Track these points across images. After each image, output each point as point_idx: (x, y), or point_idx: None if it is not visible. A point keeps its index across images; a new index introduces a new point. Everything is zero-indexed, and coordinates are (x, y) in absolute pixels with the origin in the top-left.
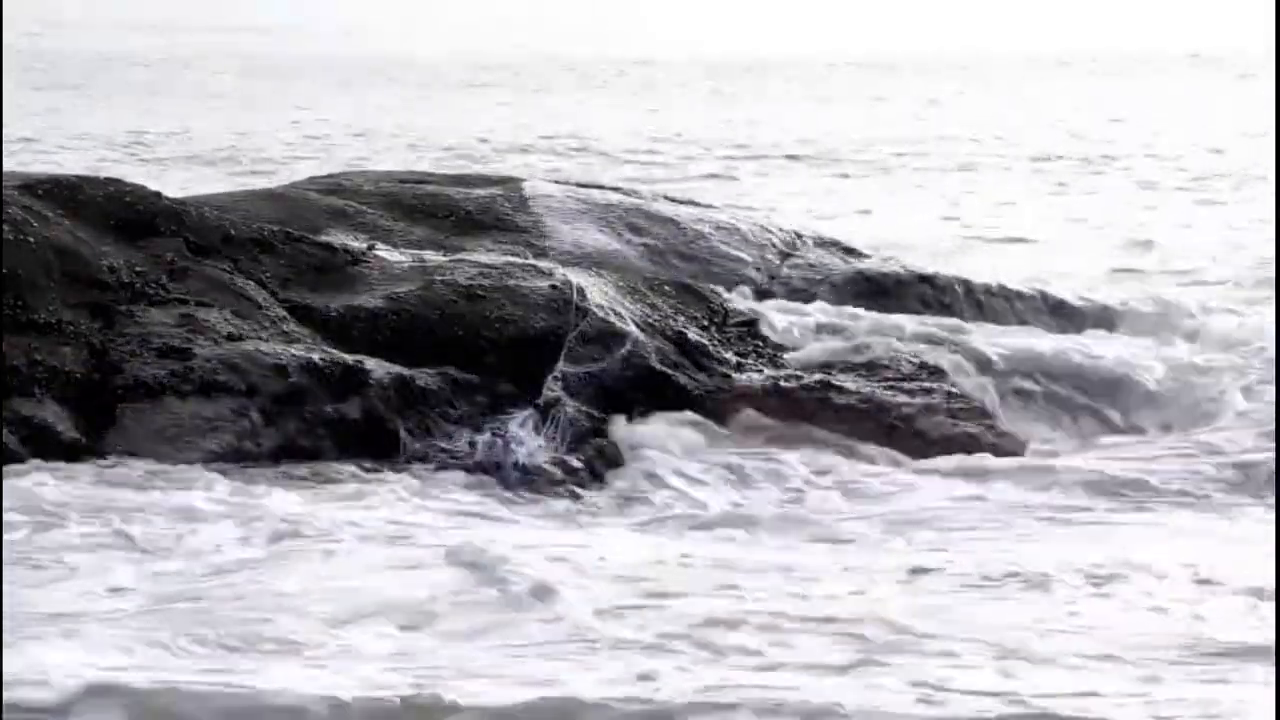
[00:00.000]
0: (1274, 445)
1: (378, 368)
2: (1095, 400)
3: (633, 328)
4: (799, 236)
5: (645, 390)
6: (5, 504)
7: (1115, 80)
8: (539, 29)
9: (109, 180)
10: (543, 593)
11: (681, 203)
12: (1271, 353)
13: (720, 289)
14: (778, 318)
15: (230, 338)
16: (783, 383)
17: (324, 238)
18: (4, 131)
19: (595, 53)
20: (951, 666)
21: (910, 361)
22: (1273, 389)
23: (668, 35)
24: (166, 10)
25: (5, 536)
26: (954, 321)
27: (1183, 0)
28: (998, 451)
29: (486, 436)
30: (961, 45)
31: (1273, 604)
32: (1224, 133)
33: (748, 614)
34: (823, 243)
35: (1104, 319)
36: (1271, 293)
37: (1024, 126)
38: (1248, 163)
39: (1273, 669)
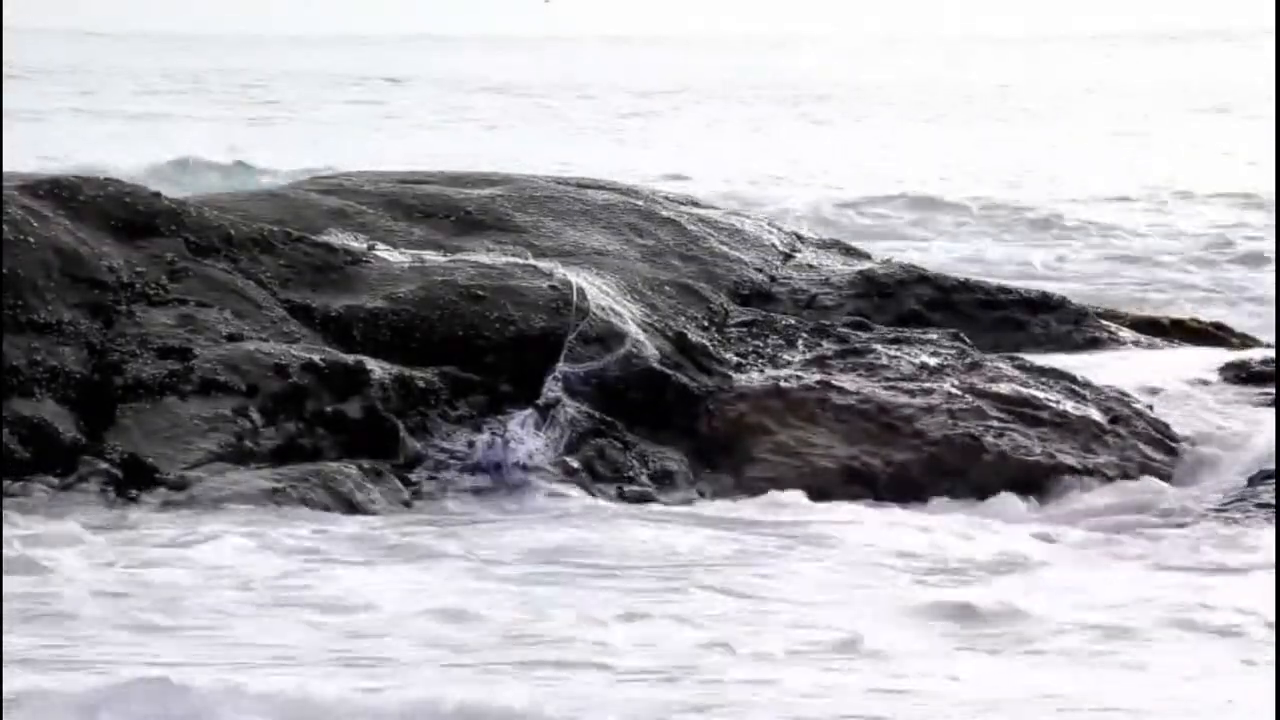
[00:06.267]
0: (1275, 436)
1: (378, 368)
2: None
3: (633, 328)
4: (799, 238)
5: (645, 390)
6: None
7: None
8: None
9: (109, 180)
10: None
11: (682, 203)
12: None
13: (720, 290)
14: (779, 318)
15: (230, 338)
16: (783, 383)
17: (324, 238)
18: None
19: None
20: None
21: (910, 362)
22: None
23: None
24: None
25: None
26: None
27: None
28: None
29: (486, 436)
30: None
31: None
32: None
33: None
34: (824, 244)
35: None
36: None
37: None
38: None
39: None
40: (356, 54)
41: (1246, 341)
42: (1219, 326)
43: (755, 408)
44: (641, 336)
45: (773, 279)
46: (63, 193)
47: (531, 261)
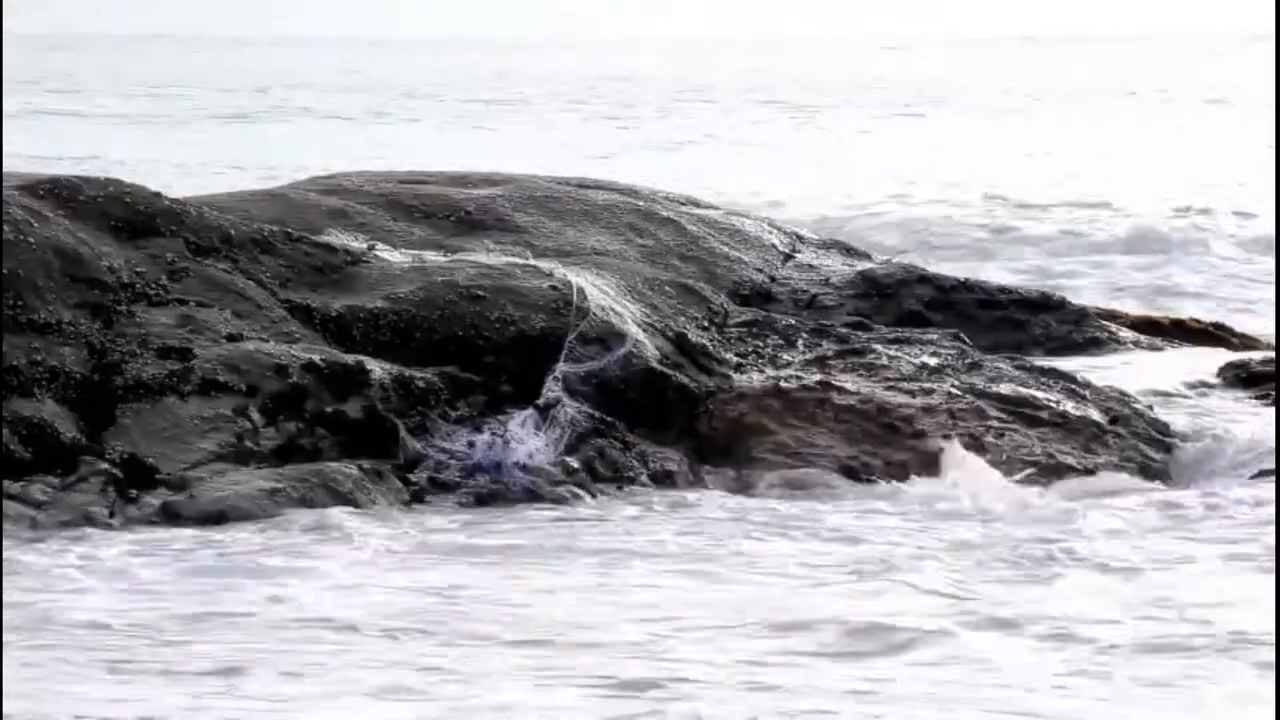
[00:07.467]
0: (1275, 436)
1: (378, 368)
2: None
3: (633, 328)
4: (799, 238)
5: (645, 390)
6: None
7: None
8: None
9: (109, 180)
10: None
11: (682, 203)
12: None
13: (720, 290)
14: (779, 318)
15: (230, 338)
16: (783, 383)
17: (324, 238)
18: None
19: None
20: None
21: (910, 362)
22: None
23: None
24: None
25: None
26: None
27: None
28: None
29: (486, 436)
30: None
31: None
32: None
33: None
34: (825, 244)
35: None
36: None
37: None
38: None
39: None
40: (356, 55)
41: (1246, 342)
42: (1219, 326)
43: (755, 408)
44: (641, 336)
45: (773, 279)
46: (63, 193)
47: (531, 261)
